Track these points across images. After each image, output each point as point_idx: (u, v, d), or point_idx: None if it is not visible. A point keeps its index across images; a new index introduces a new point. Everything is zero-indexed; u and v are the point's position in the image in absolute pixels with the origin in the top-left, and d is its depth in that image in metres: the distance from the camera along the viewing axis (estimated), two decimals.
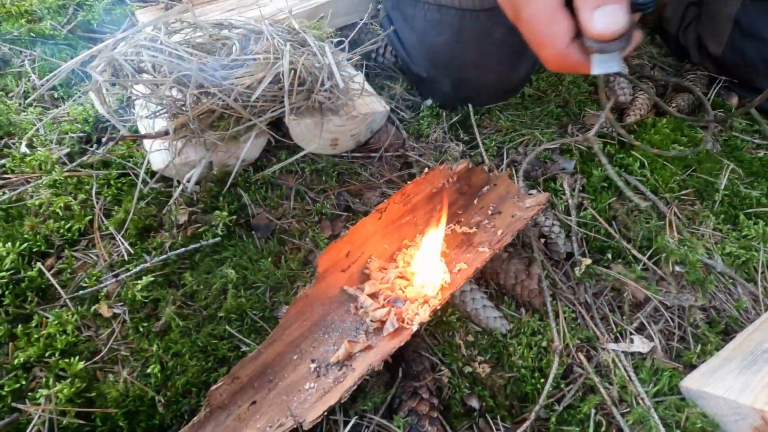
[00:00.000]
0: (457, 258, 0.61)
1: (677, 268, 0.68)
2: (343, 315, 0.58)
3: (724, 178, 0.79)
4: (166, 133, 0.61)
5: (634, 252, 0.69)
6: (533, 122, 0.85)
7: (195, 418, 0.50)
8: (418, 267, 0.58)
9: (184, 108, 0.61)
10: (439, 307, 0.56)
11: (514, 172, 0.76)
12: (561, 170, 0.77)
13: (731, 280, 0.70)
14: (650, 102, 0.88)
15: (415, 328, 0.54)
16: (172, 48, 0.62)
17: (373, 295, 0.58)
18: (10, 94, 0.79)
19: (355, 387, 0.51)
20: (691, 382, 0.58)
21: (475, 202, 0.68)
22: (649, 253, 0.69)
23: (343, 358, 0.54)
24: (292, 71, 0.65)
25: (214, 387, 0.51)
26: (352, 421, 0.52)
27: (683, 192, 0.77)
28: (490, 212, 0.66)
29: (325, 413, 0.50)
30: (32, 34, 0.88)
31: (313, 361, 0.54)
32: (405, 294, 0.57)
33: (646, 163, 0.79)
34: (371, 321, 0.56)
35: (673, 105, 0.88)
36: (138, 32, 0.65)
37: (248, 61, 0.65)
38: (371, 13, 0.92)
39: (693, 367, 0.61)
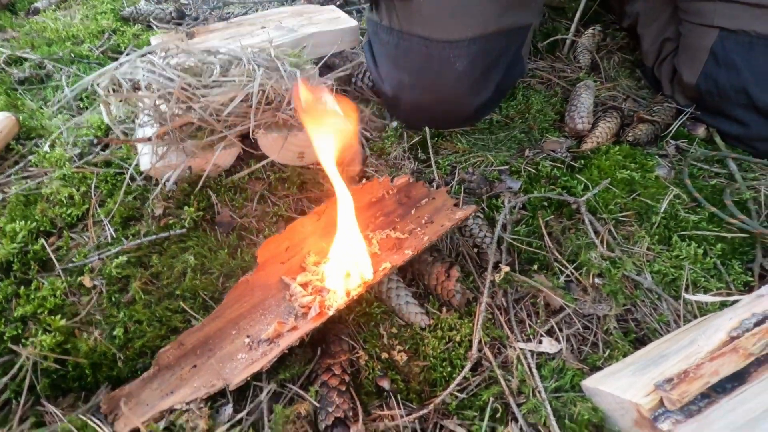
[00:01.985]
0: (386, 258, 0.70)
1: (597, 280, 0.73)
2: (279, 301, 0.67)
3: (665, 203, 0.83)
4: (149, 139, 0.73)
5: (560, 264, 0.75)
6: (495, 146, 0.93)
7: (145, 374, 0.61)
8: (341, 262, 0.67)
9: (164, 119, 0.74)
10: (356, 297, 0.64)
11: (462, 189, 0.83)
12: (507, 189, 0.84)
13: (658, 296, 0.74)
14: (610, 131, 0.94)
15: (331, 312, 0.63)
16: (161, 69, 0.75)
17: (305, 285, 0.67)
18: (48, 103, 0.96)
19: (275, 359, 0.60)
20: (590, 381, 0.63)
21: (413, 212, 0.76)
22: (573, 266, 0.75)
23: (273, 336, 0.63)
24: (261, 92, 0.77)
25: (163, 350, 0.62)
26: (272, 387, 0.61)
27: (623, 214, 0.82)
28: (423, 221, 0.74)
29: (249, 378, 0.60)
30: (72, 54, 1.05)
31: (248, 336, 0.64)
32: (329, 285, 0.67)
33: (590, 186, 0.84)
34: (300, 306, 0.65)
35: (630, 135, 0.93)
36: (139, 56, 0.79)
37: (225, 83, 0.78)
38: (353, 44, 1.04)
39: (598, 369, 0.66)
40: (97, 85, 0.74)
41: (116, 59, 1.08)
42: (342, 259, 0.67)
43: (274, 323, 0.64)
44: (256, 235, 0.75)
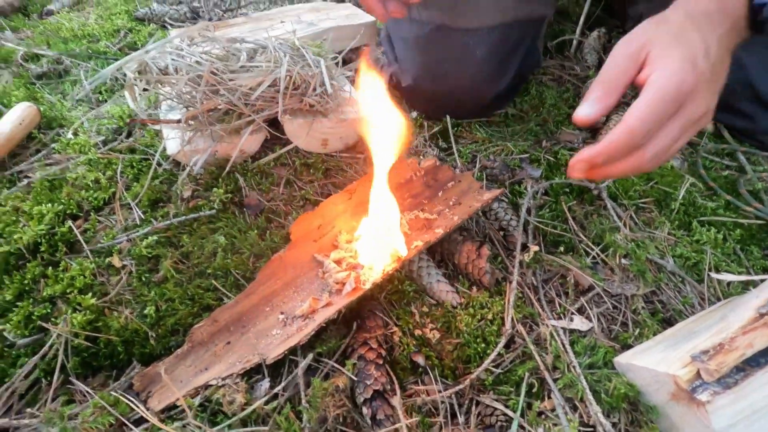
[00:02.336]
0: (417, 237, 0.70)
1: (623, 261, 0.74)
2: (312, 278, 0.67)
3: (682, 190, 0.85)
4: (178, 121, 0.74)
5: (586, 246, 0.76)
6: (512, 137, 0.94)
7: (179, 350, 0.60)
8: (375, 238, 0.67)
9: (195, 103, 0.74)
10: (391, 273, 0.64)
11: (484, 176, 0.84)
12: (529, 176, 0.85)
13: (681, 279, 0.75)
14: None
15: (367, 287, 0.62)
16: (190, 54, 0.76)
17: (338, 262, 0.67)
18: (66, 96, 0.96)
19: (313, 333, 0.60)
20: (623, 358, 0.64)
21: (440, 194, 0.77)
22: (599, 248, 0.76)
23: (307, 312, 0.63)
24: (288, 77, 0.78)
25: (197, 326, 0.62)
26: (309, 359, 0.60)
27: (642, 200, 0.84)
28: (451, 203, 0.75)
29: (286, 353, 0.59)
30: (90, 50, 1.06)
31: (282, 313, 0.64)
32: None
33: None
34: (334, 282, 0.65)
35: None
36: (166, 42, 0.80)
37: (252, 68, 0.79)
38: (371, 39, 1.06)
39: (629, 347, 0.66)
40: (127, 69, 0.74)
41: None
42: (376, 236, 0.67)
43: (309, 299, 0.63)
44: (284, 218, 0.75)
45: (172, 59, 0.75)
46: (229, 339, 0.62)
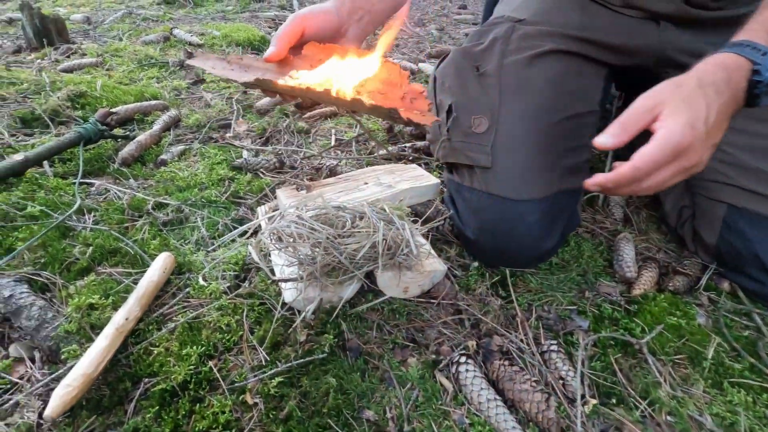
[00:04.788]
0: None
1: (668, 418, 0.86)
2: None
3: (711, 349, 0.98)
4: (300, 279, 0.92)
5: (634, 399, 0.88)
6: (558, 285, 1.11)
7: None
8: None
9: (313, 262, 0.93)
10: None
11: (540, 325, 1.00)
12: (578, 327, 1.00)
13: None
14: (653, 279, 1.12)
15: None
16: (310, 223, 0.96)
17: None
18: (187, 241, 1.16)
19: None
20: None
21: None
22: (646, 402, 0.88)
23: None
24: (384, 241, 0.97)
25: None
26: None
27: (677, 356, 0.97)
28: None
29: None
30: (203, 199, 1.29)
31: None
32: None
33: (646, 329, 1.00)
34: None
35: (671, 285, 1.11)
36: (286, 211, 1.01)
37: (355, 233, 0.99)
38: (436, 196, 1.28)
39: None
40: (264, 236, 0.94)
41: (238, 203, 1.32)
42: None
43: None
44: (378, 360, 0.90)
45: (296, 227, 0.95)
46: None
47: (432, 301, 1.05)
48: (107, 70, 2.28)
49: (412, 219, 1.10)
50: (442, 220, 1.12)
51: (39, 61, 2.33)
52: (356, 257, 0.95)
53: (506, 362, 0.89)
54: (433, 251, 1.09)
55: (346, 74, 0.95)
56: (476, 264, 1.14)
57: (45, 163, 1.44)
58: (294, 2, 3.95)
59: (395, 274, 1.00)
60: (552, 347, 0.92)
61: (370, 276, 1.01)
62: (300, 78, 0.95)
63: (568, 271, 1.17)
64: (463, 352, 0.91)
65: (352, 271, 0.95)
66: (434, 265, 1.06)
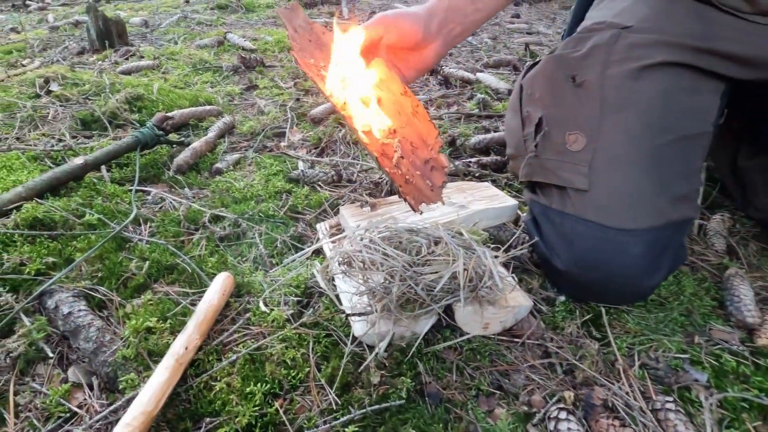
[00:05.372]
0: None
1: None
2: None
3: None
4: (374, 311, 0.82)
5: None
6: (658, 327, 0.97)
7: None
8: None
9: (387, 293, 0.83)
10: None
11: (645, 374, 0.86)
12: (694, 381, 0.86)
13: None
14: None
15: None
16: (383, 248, 0.86)
17: None
18: (245, 259, 1.09)
19: None
20: None
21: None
22: None
23: None
24: (465, 272, 0.86)
25: None
26: None
27: None
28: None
29: None
30: (260, 213, 1.21)
31: None
32: None
33: None
34: None
35: None
36: (355, 233, 0.92)
37: (431, 260, 0.88)
38: (512, 219, 1.16)
39: None
40: (332, 260, 0.85)
41: (296, 218, 1.24)
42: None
43: None
44: (462, 409, 0.79)
45: (368, 252, 0.85)
46: None
47: (515, 340, 0.93)
48: (163, 73, 2.27)
49: (492, 245, 0.99)
50: (526, 248, 1.00)
51: (100, 62, 2.36)
52: (434, 289, 0.84)
53: (615, 421, 0.76)
54: (517, 284, 0.97)
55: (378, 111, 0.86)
56: (563, 298, 1.02)
57: (103, 167, 1.41)
58: (344, 10, 3.91)
59: (476, 309, 0.89)
60: (668, 405, 0.78)
61: (446, 310, 0.90)
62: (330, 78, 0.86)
63: (668, 309, 1.02)
64: (560, 405, 0.79)
65: (429, 305, 0.85)
66: (518, 300, 0.94)
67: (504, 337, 0.93)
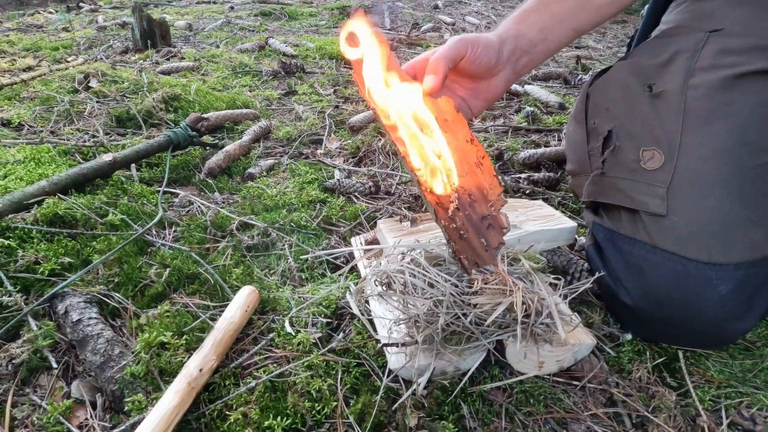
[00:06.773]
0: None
1: None
2: None
3: None
4: (416, 342, 0.71)
5: None
6: (746, 377, 0.82)
7: None
8: None
9: (430, 323, 0.72)
10: None
11: None
12: None
13: None
14: None
15: None
16: (428, 274, 0.75)
17: None
18: (272, 272, 1.00)
19: None
20: None
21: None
22: None
23: None
24: (524, 305, 0.74)
25: None
26: None
27: None
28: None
29: None
30: (292, 223, 1.13)
31: None
32: None
33: None
34: None
35: None
36: (395, 251, 0.81)
37: (484, 289, 0.77)
38: (569, 242, 1.04)
39: None
40: (368, 280, 0.75)
41: (330, 231, 1.15)
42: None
43: None
44: None
45: (410, 275, 0.75)
46: None
47: (574, 383, 0.80)
48: (202, 74, 2.25)
49: (551, 274, 0.87)
50: (591, 283, 0.86)
51: (141, 61, 2.36)
52: (485, 321, 0.73)
53: None
54: (577, 318, 0.85)
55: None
56: (629, 336, 0.88)
57: (132, 166, 1.37)
58: (386, 21, 3.87)
59: (531, 345, 0.77)
60: None
61: (496, 345, 0.78)
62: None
63: (756, 356, 0.87)
64: None
65: (478, 339, 0.73)
66: (579, 337, 0.81)
67: (561, 379, 0.81)
